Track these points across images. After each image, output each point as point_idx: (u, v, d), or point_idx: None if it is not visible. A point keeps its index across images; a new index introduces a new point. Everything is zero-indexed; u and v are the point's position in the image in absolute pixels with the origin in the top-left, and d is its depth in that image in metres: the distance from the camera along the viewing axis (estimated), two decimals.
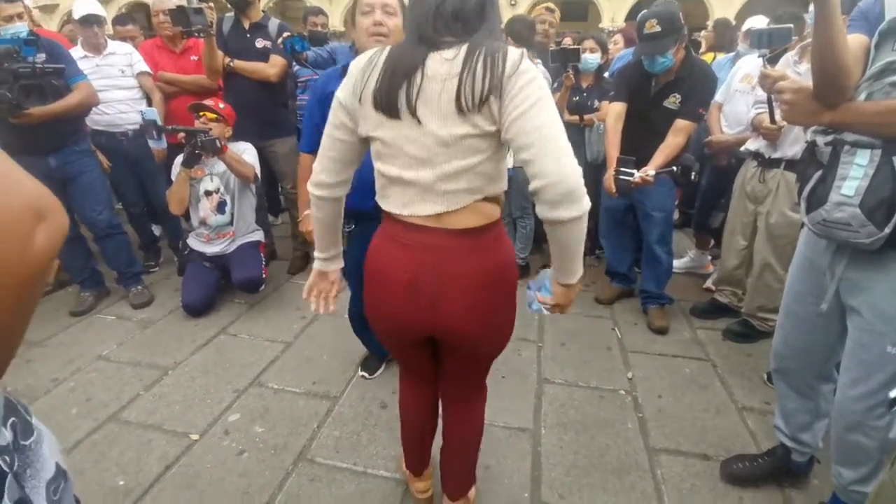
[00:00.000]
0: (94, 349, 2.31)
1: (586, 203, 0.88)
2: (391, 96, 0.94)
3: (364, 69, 0.97)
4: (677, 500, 1.53)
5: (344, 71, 1.73)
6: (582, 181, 0.87)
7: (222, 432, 1.80)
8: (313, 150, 1.77)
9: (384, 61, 0.96)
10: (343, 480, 1.60)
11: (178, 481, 1.59)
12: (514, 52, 0.91)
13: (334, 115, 1.03)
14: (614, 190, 2.28)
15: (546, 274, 1.10)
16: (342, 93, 1.01)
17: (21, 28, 2.34)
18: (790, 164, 2.05)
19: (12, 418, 0.54)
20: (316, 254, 1.22)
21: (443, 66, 0.91)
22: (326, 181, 1.09)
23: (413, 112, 0.93)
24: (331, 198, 1.11)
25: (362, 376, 2.10)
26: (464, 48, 0.91)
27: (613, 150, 2.33)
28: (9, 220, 0.39)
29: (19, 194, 0.40)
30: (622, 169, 2.23)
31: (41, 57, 2.29)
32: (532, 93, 0.88)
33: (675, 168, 2.23)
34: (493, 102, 0.89)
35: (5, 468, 0.51)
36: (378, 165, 1.03)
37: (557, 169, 0.85)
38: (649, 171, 2.19)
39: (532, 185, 0.88)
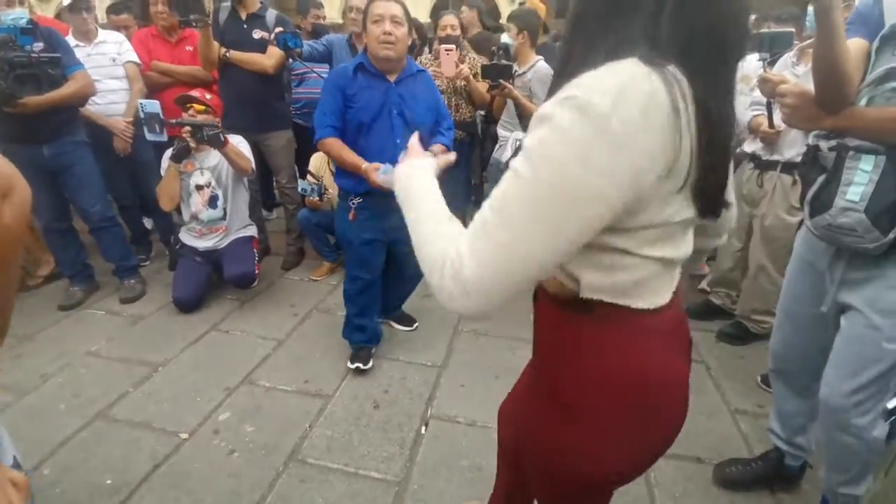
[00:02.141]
0: (83, 344, 2.28)
1: None
2: (720, 189, 0.63)
3: (673, 123, 0.55)
4: (669, 503, 1.53)
5: (358, 69, 1.81)
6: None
7: (212, 431, 1.78)
8: (337, 134, 1.89)
9: (698, 122, 0.57)
10: (334, 481, 1.58)
11: (167, 481, 1.57)
12: None
13: (595, 178, 0.54)
14: None
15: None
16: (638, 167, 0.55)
17: (21, 14, 2.30)
18: (787, 167, 2.04)
19: None
20: None
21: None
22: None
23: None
24: None
25: (357, 367, 2.10)
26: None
27: None
28: None
29: None
30: None
31: (39, 46, 2.26)
32: None
33: None
34: None
35: None
36: (656, 252, 0.64)
37: None
38: None
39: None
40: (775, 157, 2.07)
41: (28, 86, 2.18)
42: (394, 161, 1.78)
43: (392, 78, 1.87)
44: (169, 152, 2.54)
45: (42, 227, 2.63)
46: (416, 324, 2.47)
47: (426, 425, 1.83)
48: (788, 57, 1.97)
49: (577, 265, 0.66)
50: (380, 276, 2.13)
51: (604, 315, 0.67)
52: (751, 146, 2.20)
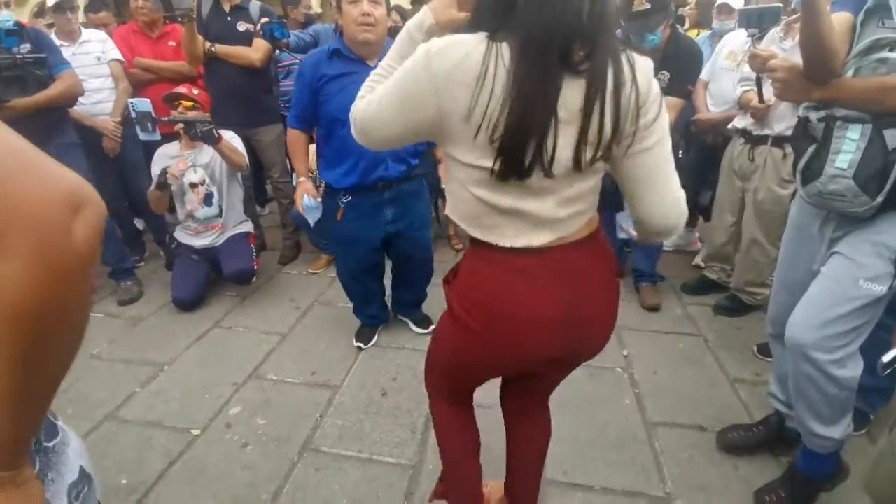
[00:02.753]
0: (84, 348, 2.17)
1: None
2: (522, 154, 0.75)
3: (476, 80, 0.72)
4: (676, 470, 1.58)
5: (334, 54, 1.77)
6: (683, 220, 0.87)
7: (224, 426, 1.79)
8: (302, 127, 1.89)
9: (507, 91, 0.71)
10: (349, 468, 1.61)
11: (183, 477, 1.58)
12: (643, 65, 0.77)
13: (416, 94, 0.78)
14: None
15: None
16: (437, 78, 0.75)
17: (6, 17, 2.25)
18: (777, 141, 2.08)
19: None
20: None
21: (578, 95, 0.73)
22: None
23: (550, 164, 0.77)
24: None
25: (357, 347, 2.21)
26: (590, 59, 0.72)
27: None
28: (47, 213, 0.39)
29: (56, 188, 0.41)
30: None
31: (26, 47, 2.22)
32: (660, 126, 0.79)
33: None
34: (627, 126, 0.78)
35: None
36: (477, 192, 0.82)
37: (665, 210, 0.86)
38: None
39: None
40: (766, 132, 2.11)
41: (14, 88, 2.14)
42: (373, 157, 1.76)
43: (372, 63, 1.75)
44: (161, 149, 2.52)
45: None
46: (433, 326, 2.31)
47: None
48: (776, 32, 2.00)
49: (448, 193, 0.92)
50: (378, 272, 2.13)
51: (476, 248, 0.90)
52: (741, 121, 2.23)
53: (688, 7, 4.02)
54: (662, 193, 0.83)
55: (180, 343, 2.30)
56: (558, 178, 0.79)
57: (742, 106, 2.18)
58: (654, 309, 2.50)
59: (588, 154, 0.76)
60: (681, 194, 0.85)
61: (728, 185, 2.38)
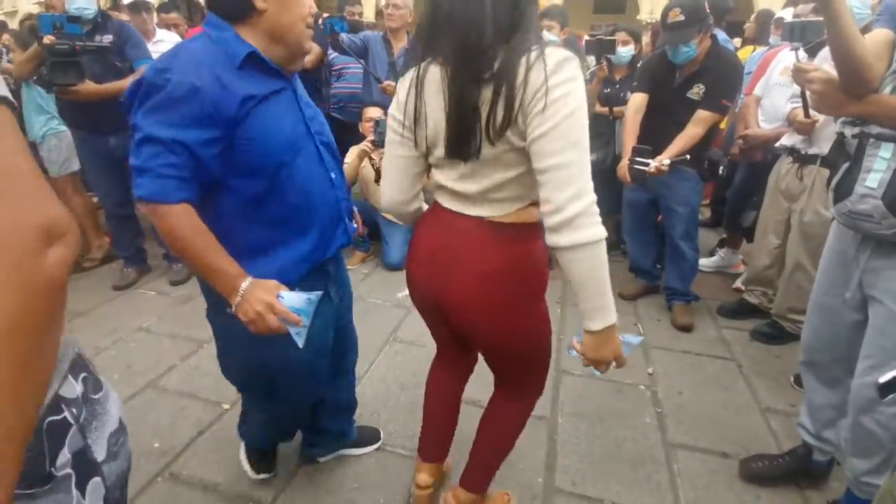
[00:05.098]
0: (135, 321, 2.46)
1: (588, 234, 0.85)
2: (461, 148, 0.97)
3: (415, 93, 0.99)
4: (692, 494, 1.53)
5: (247, 61, 1.03)
6: (589, 210, 0.86)
7: None
8: (193, 196, 1.00)
9: (442, 97, 0.95)
10: (362, 455, 1.66)
11: (209, 446, 1.69)
12: (543, 62, 0.86)
13: (392, 132, 1.07)
14: (629, 179, 2.26)
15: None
16: (397, 111, 1.04)
17: (86, 5, 2.34)
18: (827, 161, 1.98)
19: (83, 373, 0.58)
20: None
21: (486, 90, 0.90)
22: (399, 199, 1.15)
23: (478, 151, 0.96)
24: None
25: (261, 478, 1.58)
26: (496, 64, 0.88)
27: (630, 140, 2.31)
28: (16, 236, 0.41)
29: (32, 214, 0.42)
30: (637, 158, 2.21)
31: (108, 38, 2.36)
32: (557, 111, 0.85)
33: (688, 157, 2.19)
34: (520, 120, 0.89)
35: (71, 420, 0.53)
36: (434, 171, 1.11)
37: (562, 197, 0.86)
38: (664, 160, 2.16)
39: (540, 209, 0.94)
40: (814, 151, 2.02)
41: (71, 74, 2.18)
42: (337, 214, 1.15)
43: (290, 76, 1.13)
44: None
45: (105, 212, 2.83)
46: (378, 444, 1.71)
47: None
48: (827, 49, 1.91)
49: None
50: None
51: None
52: (789, 139, 2.14)
53: (746, 24, 3.88)
54: (564, 181, 0.86)
55: None
56: (482, 166, 0.98)
57: (790, 122, 2.10)
58: (685, 329, 2.42)
59: (493, 134, 0.92)
60: (588, 197, 0.87)
61: (774, 205, 2.28)
